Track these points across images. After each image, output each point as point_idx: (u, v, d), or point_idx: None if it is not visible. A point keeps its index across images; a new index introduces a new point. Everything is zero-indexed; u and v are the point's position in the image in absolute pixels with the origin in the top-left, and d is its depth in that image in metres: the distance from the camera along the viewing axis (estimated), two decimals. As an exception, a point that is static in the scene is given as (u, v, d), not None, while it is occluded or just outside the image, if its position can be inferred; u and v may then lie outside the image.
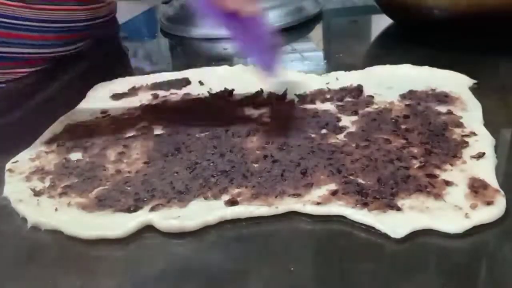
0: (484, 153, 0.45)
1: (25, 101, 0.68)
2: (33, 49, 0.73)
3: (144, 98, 0.63)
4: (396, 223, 0.39)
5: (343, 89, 0.60)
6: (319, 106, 0.58)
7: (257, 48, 0.53)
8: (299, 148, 0.49)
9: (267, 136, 0.52)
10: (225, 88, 0.63)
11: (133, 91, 0.66)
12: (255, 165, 0.47)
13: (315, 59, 0.76)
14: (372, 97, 0.58)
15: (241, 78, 0.65)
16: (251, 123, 0.55)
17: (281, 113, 0.57)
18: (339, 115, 0.55)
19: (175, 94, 0.64)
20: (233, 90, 0.63)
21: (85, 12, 0.79)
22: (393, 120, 0.52)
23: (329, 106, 0.57)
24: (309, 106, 0.58)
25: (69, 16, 0.75)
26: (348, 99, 0.58)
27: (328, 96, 0.59)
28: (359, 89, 0.60)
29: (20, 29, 0.71)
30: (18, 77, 0.73)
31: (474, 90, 0.58)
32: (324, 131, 0.52)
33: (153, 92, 0.65)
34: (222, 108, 0.60)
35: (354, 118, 0.54)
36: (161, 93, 0.64)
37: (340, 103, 0.57)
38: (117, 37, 0.91)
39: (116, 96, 0.64)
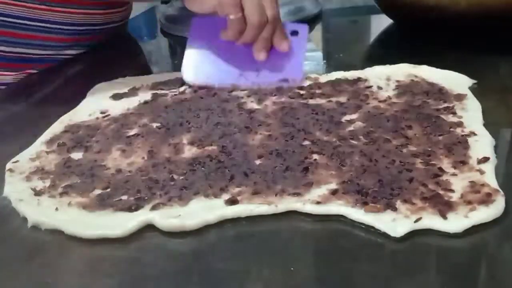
0: (488, 158, 0.45)
1: (26, 101, 0.68)
2: (45, 50, 0.75)
3: (144, 98, 0.63)
4: (395, 222, 0.39)
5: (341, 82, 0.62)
6: (319, 101, 0.58)
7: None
8: (300, 147, 0.49)
9: (269, 133, 0.52)
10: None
11: (133, 91, 0.66)
12: (256, 163, 0.47)
13: (315, 59, 0.75)
14: (372, 92, 0.59)
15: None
16: (253, 118, 0.55)
17: (283, 109, 0.57)
18: (339, 112, 0.55)
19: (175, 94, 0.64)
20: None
21: (103, 16, 0.81)
22: (393, 120, 0.52)
23: (328, 103, 0.57)
24: (310, 102, 0.58)
25: (87, 19, 0.77)
26: (349, 100, 0.58)
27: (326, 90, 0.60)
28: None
29: (36, 31, 0.73)
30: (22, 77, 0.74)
31: (474, 90, 0.58)
32: (325, 128, 0.52)
33: (153, 92, 0.65)
34: (224, 102, 0.60)
35: (355, 116, 0.54)
36: (161, 93, 0.64)
37: (340, 100, 0.58)
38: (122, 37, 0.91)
39: (116, 96, 0.64)
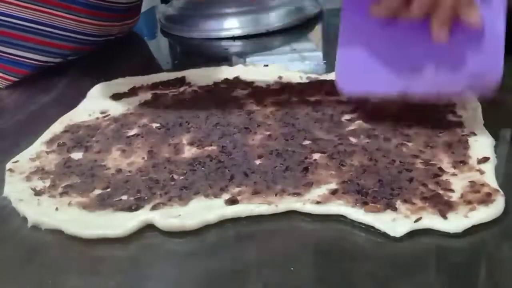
0: (488, 158, 0.45)
1: (26, 101, 0.68)
2: (49, 57, 0.74)
3: (144, 98, 0.63)
4: (395, 222, 0.39)
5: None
6: (318, 101, 0.58)
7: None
8: (300, 147, 0.49)
9: (268, 133, 0.52)
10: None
11: (133, 91, 0.66)
12: (256, 163, 0.47)
13: (315, 59, 0.76)
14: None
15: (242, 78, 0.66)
16: (252, 119, 0.55)
17: (282, 109, 0.57)
18: (339, 112, 0.55)
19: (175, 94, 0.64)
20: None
21: (119, 27, 0.81)
22: (393, 120, 0.52)
23: (328, 103, 0.57)
24: (310, 102, 0.58)
25: (103, 30, 0.78)
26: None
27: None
28: None
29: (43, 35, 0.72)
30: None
31: (474, 90, 0.58)
32: (325, 127, 0.52)
33: (153, 92, 0.65)
34: (224, 102, 0.60)
35: (355, 115, 0.54)
36: (161, 93, 0.65)
37: (340, 99, 0.58)
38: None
39: (116, 96, 0.65)
